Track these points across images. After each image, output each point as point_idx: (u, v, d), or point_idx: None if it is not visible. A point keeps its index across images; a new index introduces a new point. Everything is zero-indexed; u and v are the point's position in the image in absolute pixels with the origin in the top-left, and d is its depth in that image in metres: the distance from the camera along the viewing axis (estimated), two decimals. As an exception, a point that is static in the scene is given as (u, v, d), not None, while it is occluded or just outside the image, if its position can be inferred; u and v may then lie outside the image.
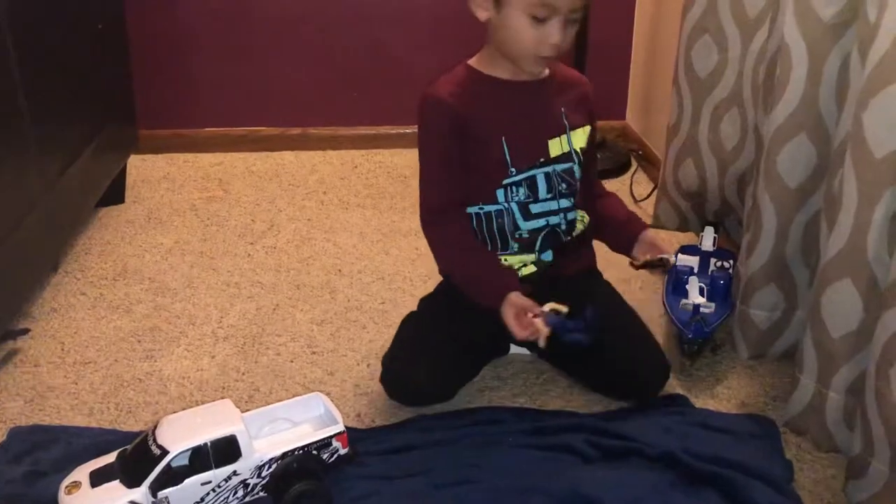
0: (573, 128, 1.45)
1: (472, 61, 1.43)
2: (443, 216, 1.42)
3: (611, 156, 2.37)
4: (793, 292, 1.43)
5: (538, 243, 1.45)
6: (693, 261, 1.58)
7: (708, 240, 1.65)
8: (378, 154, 2.43)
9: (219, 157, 2.40)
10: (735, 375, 1.52)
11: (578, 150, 1.45)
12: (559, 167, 1.43)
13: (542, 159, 1.42)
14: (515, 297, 1.32)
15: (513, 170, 1.41)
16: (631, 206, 2.14)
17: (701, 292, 1.51)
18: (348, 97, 2.46)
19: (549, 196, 1.44)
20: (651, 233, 1.53)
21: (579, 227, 1.50)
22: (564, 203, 1.45)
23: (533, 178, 1.42)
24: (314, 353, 1.58)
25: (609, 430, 1.34)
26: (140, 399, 1.44)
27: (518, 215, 1.43)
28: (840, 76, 1.25)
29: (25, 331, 1.58)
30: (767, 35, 1.44)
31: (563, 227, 1.46)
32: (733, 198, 1.66)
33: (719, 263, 1.59)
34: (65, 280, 1.79)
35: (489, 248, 1.45)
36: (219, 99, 2.42)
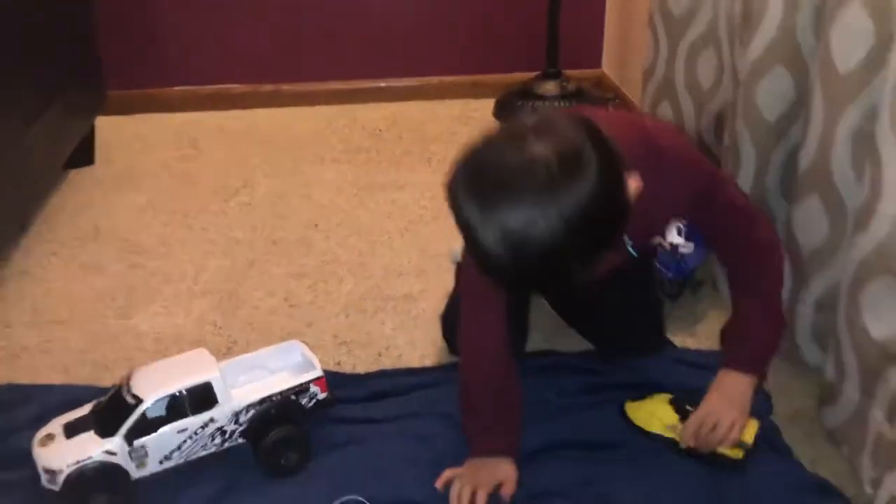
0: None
1: None
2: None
3: (587, 104, 2.35)
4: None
5: None
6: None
7: (686, 181, 1.63)
8: (353, 109, 2.39)
9: (190, 115, 2.35)
10: (715, 314, 1.51)
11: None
12: None
13: None
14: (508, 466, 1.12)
15: None
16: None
17: (679, 233, 1.51)
18: (321, 52, 2.41)
19: None
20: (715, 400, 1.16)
21: None
22: None
23: None
24: (292, 305, 1.56)
25: (591, 368, 1.33)
26: (116, 355, 1.42)
27: None
28: (820, 5, 1.23)
29: (-6, 292, 1.56)
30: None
31: None
32: (710, 138, 1.65)
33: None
34: (35, 242, 1.75)
35: None
36: (188, 57, 2.37)
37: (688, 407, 1.18)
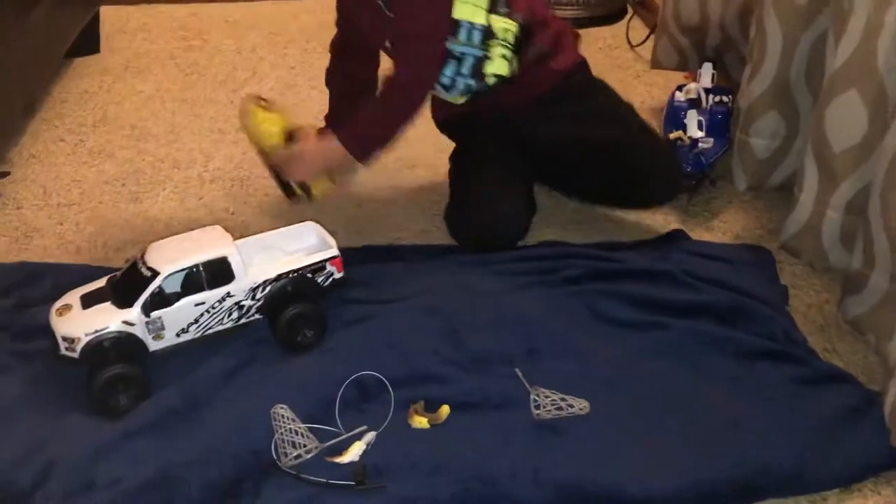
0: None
1: None
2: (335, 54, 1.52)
3: (605, 2, 2.28)
4: (794, 119, 1.40)
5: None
6: (692, 94, 1.54)
7: (706, 76, 1.60)
8: (363, 3, 2.31)
9: (195, 7, 2.29)
10: (731, 209, 1.50)
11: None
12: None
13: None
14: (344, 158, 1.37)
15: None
16: (626, 52, 2.10)
17: (700, 126, 1.48)
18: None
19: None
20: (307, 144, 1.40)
21: (495, 68, 1.36)
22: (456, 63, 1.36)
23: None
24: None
25: (601, 255, 1.33)
26: (127, 237, 1.42)
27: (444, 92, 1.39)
28: None
29: (5, 173, 1.54)
30: None
31: (476, 82, 1.37)
32: (735, 30, 1.60)
33: (717, 98, 1.55)
34: (43, 127, 1.72)
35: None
36: (193, -56, 2.29)
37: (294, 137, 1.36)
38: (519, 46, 1.36)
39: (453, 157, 1.51)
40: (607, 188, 1.44)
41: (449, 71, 1.35)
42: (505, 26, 1.34)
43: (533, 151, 1.45)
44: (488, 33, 1.33)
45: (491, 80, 1.36)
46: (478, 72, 1.35)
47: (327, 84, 1.56)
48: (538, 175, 1.49)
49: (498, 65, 1.36)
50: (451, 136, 1.54)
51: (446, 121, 1.53)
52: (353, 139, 1.35)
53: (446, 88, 1.37)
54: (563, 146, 1.43)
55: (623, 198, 1.46)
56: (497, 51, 1.36)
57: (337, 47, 1.52)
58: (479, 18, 1.32)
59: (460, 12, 1.31)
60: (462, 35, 1.32)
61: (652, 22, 2.11)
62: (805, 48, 1.33)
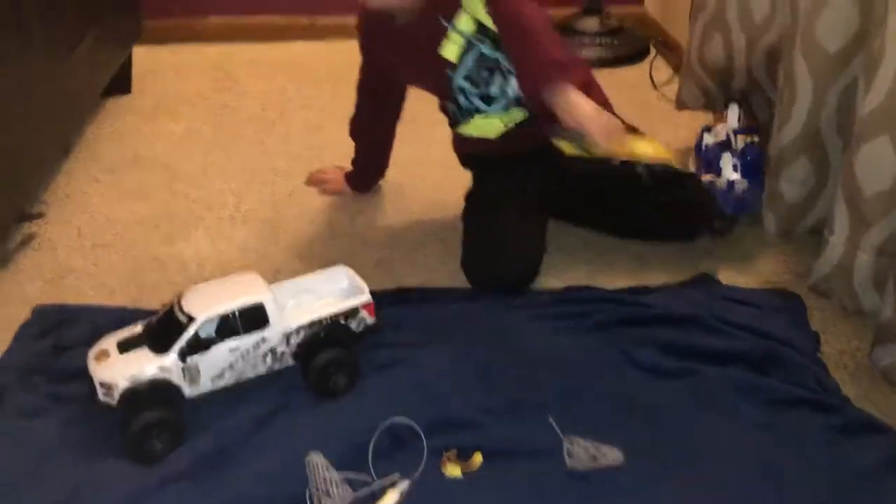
0: (451, 16, 1.39)
1: None
2: (362, 106, 1.62)
3: (628, 41, 2.30)
4: (824, 165, 1.40)
5: (513, 106, 1.45)
6: (721, 136, 1.55)
7: (733, 117, 1.60)
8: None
9: (226, 47, 2.34)
10: (761, 253, 1.50)
11: (475, 32, 1.39)
12: (469, 62, 1.40)
13: (448, 71, 1.41)
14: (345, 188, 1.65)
15: (447, 101, 1.46)
16: (650, 92, 2.11)
17: (735, 169, 1.49)
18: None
19: (485, 88, 1.42)
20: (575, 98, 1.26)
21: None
22: (504, 76, 1.42)
23: (461, 87, 1.43)
24: (333, 234, 1.56)
25: (631, 300, 1.33)
26: (161, 279, 1.43)
27: (484, 106, 1.45)
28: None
29: (40, 215, 1.56)
30: None
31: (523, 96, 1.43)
32: (761, 73, 1.61)
33: (747, 139, 1.55)
34: (77, 167, 1.76)
35: (474, 115, 1.47)
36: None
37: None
38: None
39: (468, 197, 1.52)
40: (642, 220, 1.47)
41: (497, 83, 1.41)
42: None
43: (561, 185, 1.48)
44: None
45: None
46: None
47: (353, 132, 1.64)
48: (561, 211, 1.51)
49: None
50: (473, 171, 1.55)
51: (470, 154, 1.55)
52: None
53: (491, 99, 1.42)
54: (595, 179, 1.45)
55: (657, 230, 1.47)
56: None
57: (365, 91, 1.58)
58: None
59: None
60: None
61: (675, 62, 2.13)
62: (835, 95, 1.33)
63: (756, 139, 1.56)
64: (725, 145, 1.56)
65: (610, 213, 1.50)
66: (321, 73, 2.21)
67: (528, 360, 1.20)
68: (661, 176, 1.40)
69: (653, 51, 2.31)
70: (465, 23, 1.38)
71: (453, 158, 1.62)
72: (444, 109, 1.53)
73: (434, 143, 1.84)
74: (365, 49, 1.52)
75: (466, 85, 1.42)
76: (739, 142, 1.56)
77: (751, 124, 1.63)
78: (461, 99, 1.45)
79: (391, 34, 1.44)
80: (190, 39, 2.35)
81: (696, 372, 1.19)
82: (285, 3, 2.38)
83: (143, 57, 2.22)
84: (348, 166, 1.68)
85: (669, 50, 2.26)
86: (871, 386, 1.21)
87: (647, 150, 1.32)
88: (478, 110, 1.46)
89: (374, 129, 1.63)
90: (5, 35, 1.40)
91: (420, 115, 1.95)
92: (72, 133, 1.79)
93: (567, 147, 1.30)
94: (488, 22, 1.37)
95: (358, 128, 1.63)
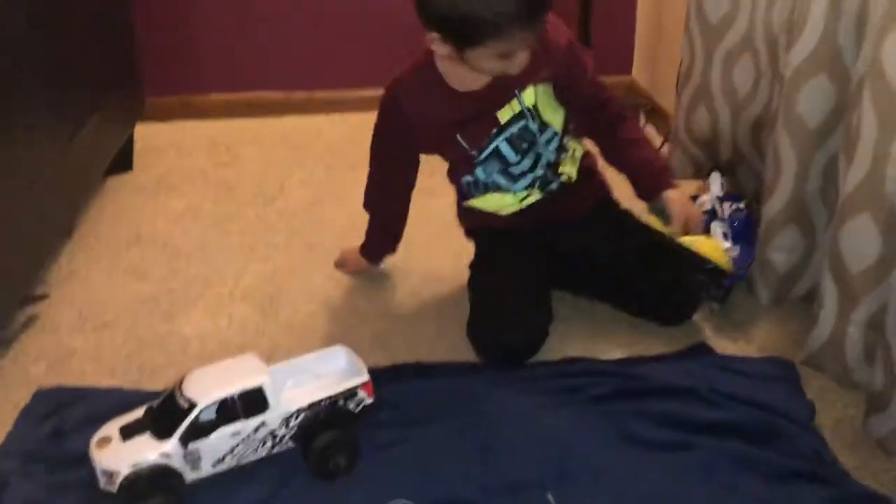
0: (523, 87, 1.42)
1: (436, 53, 1.38)
2: (377, 186, 1.58)
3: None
4: (812, 233, 1.43)
5: (536, 185, 1.49)
6: (707, 206, 1.59)
7: (715, 185, 1.65)
8: (385, 116, 2.40)
9: (225, 123, 2.39)
10: (754, 320, 1.52)
11: (531, 106, 1.43)
12: (514, 129, 1.44)
13: (494, 130, 1.43)
14: (366, 265, 1.65)
15: (474, 153, 1.44)
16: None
17: (725, 237, 1.52)
18: (352, 59, 2.43)
19: (519, 158, 1.46)
20: (676, 196, 1.44)
21: (568, 167, 1.51)
22: (536, 155, 1.46)
23: (496, 148, 1.44)
24: (332, 310, 1.58)
25: (627, 373, 1.34)
26: (162, 359, 1.45)
27: (504, 180, 1.47)
28: (860, 11, 1.24)
29: (44, 296, 1.59)
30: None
31: (549, 175, 1.49)
32: (746, 145, 1.66)
33: (733, 206, 1.59)
34: (79, 246, 1.78)
35: (492, 191, 1.49)
36: (223, 64, 2.40)
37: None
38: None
39: (473, 267, 1.55)
40: (635, 299, 1.49)
41: (530, 158, 1.45)
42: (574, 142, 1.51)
43: (563, 260, 1.52)
44: (566, 130, 1.48)
45: (561, 178, 1.49)
46: (554, 165, 1.48)
47: (368, 204, 1.61)
48: (560, 282, 1.54)
49: (570, 165, 1.50)
50: (477, 241, 1.58)
51: (477, 226, 1.58)
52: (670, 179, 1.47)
53: (515, 178, 1.46)
54: (596, 256, 1.50)
55: (646, 312, 1.49)
56: (572, 147, 1.50)
57: (383, 157, 1.55)
58: (561, 116, 1.47)
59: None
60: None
61: (664, 130, 2.18)
62: (819, 167, 1.37)
63: (742, 206, 1.59)
64: (712, 214, 1.59)
65: (605, 290, 1.53)
66: (319, 147, 2.26)
67: (527, 436, 1.20)
68: (711, 273, 1.46)
69: (643, 118, 2.36)
70: (528, 96, 1.43)
71: (449, 231, 1.65)
72: (456, 181, 1.53)
73: (430, 215, 1.87)
74: (396, 111, 1.44)
75: (505, 148, 1.44)
76: (726, 209, 1.60)
77: (734, 192, 1.67)
78: (480, 173, 1.47)
79: (446, 96, 1.41)
80: (190, 116, 2.40)
81: (694, 446, 1.20)
82: (283, 79, 2.44)
83: (145, 134, 2.27)
84: (350, 241, 1.70)
85: (658, 117, 2.31)
86: (868, 456, 1.22)
87: (709, 249, 1.44)
88: (497, 186, 1.48)
89: (390, 197, 1.59)
90: (10, 118, 1.43)
91: (417, 185, 2.00)
92: (75, 214, 1.82)
93: (656, 222, 1.47)
94: (543, 105, 1.44)
95: (374, 198, 1.60)
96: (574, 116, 1.50)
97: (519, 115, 1.44)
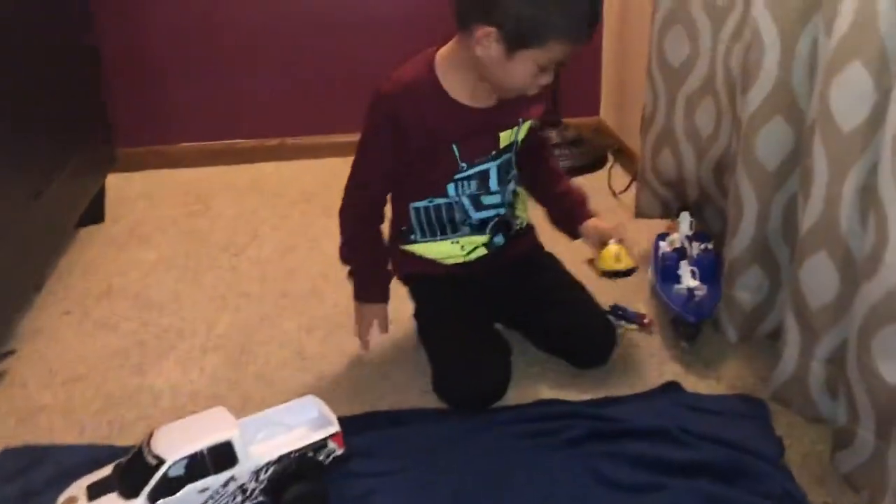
0: (526, 119, 1.47)
1: (438, 60, 1.39)
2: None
3: (587, 151, 2.39)
4: (776, 272, 1.45)
5: (489, 228, 1.50)
6: (676, 244, 1.62)
7: (685, 224, 1.67)
8: (357, 161, 2.43)
9: (197, 171, 2.40)
10: (723, 358, 1.53)
11: (520, 140, 1.48)
12: (505, 158, 1.47)
13: (493, 152, 1.45)
14: (380, 310, 1.53)
15: (463, 164, 1.43)
16: (610, 200, 2.18)
17: (693, 276, 1.54)
18: (324, 106, 2.46)
19: (499, 189, 1.48)
20: (594, 221, 1.54)
21: (521, 211, 1.55)
22: (510, 191, 1.51)
23: (486, 171, 1.45)
24: (304, 359, 1.58)
25: (600, 414, 1.35)
26: (132, 414, 1.44)
27: (469, 207, 1.47)
28: (811, 56, 1.27)
29: (12, 352, 1.57)
30: (737, 22, 1.46)
31: (510, 214, 1.52)
32: (711, 186, 1.69)
33: (702, 246, 1.61)
34: (49, 300, 1.78)
35: (438, 233, 1.49)
36: (194, 113, 2.42)
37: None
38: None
39: (421, 317, 1.55)
40: (553, 346, 1.52)
41: (498, 197, 1.48)
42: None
43: (491, 303, 1.54)
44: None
45: (517, 222, 1.54)
46: (511, 206, 1.51)
47: (350, 256, 1.52)
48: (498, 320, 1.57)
49: (522, 209, 1.55)
50: (412, 289, 1.57)
51: (412, 274, 1.57)
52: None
53: (481, 208, 1.48)
54: (518, 300, 1.54)
55: (563, 353, 1.52)
56: (520, 192, 1.55)
57: (364, 207, 1.48)
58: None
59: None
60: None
61: (632, 169, 2.22)
62: (779, 208, 1.40)
63: (710, 246, 1.62)
64: (682, 253, 1.61)
65: (527, 329, 1.56)
66: (292, 194, 2.27)
67: (500, 482, 1.21)
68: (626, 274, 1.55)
69: (611, 158, 2.40)
70: (523, 128, 1.47)
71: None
72: (403, 212, 1.50)
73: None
74: (392, 120, 1.38)
75: (494, 174, 1.45)
76: (694, 249, 1.62)
77: (703, 231, 1.70)
78: (451, 189, 1.44)
79: (453, 108, 1.39)
80: (162, 165, 2.41)
81: (666, 486, 1.20)
82: (255, 126, 2.46)
83: (116, 184, 2.28)
84: (325, 287, 1.69)
85: (626, 157, 2.35)
86: (836, 491, 1.23)
87: (609, 258, 1.51)
88: (450, 221, 1.47)
89: (375, 216, 1.50)
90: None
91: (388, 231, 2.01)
92: (45, 268, 1.82)
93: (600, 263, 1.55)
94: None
95: (356, 224, 1.50)
96: (522, 156, 1.52)
97: (510, 146, 1.46)
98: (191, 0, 2.32)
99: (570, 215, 1.55)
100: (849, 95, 1.12)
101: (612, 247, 1.49)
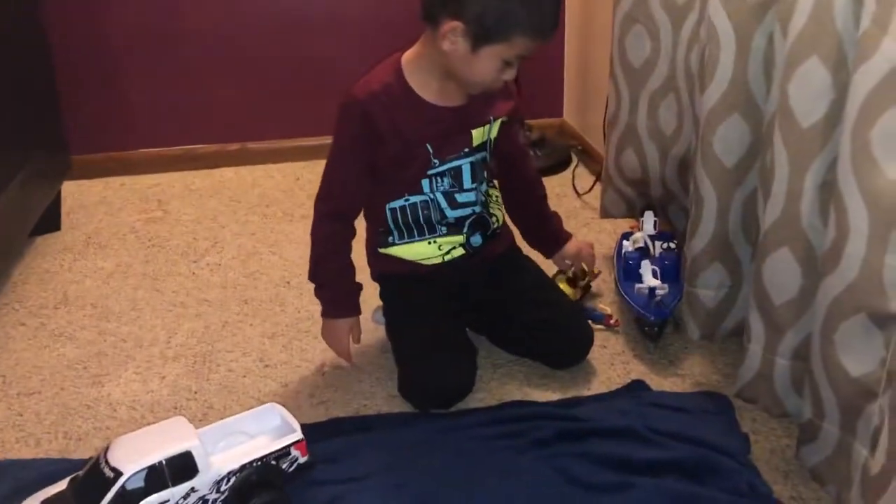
0: (497, 117, 1.47)
1: (404, 64, 1.40)
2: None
3: (551, 152, 2.39)
4: (737, 270, 1.46)
5: (466, 227, 1.49)
6: (639, 243, 1.62)
7: (648, 223, 1.67)
8: (320, 165, 2.37)
9: (156, 177, 2.35)
10: (687, 356, 1.54)
11: (493, 139, 1.48)
12: (479, 156, 1.47)
13: (466, 149, 1.44)
14: (354, 322, 1.49)
15: (436, 161, 1.43)
16: (574, 201, 2.19)
17: (654, 275, 1.54)
18: (286, 110, 2.43)
19: (473, 186, 1.47)
20: (574, 245, 1.65)
21: (495, 209, 1.55)
22: (484, 189, 1.51)
23: (458, 168, 1.45)
24: (267, 366, 1.55)
25: (567, 415, 1.34)
26: (89, 426, 1.40)
27: (444, 205, 1.46)
28: (766, 53, 1.28)
29: (-37, 365, 1.53)
30: (697, 21, 1.47)
31: (486, 212, 1.52)
32: (674, 184, 1.69)
33: (665, 245, 1.62)
34: (2, 312, 1.73)
35: (416, 233, 1.48)
36: (152, 118, 2.38)
37: (579, 282, 1.69)
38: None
39: (390, 316, 1.55)
40: (530, 346, 1.52)
41: (472, 195, 1.47)
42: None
43: (466, 305, 1.54)
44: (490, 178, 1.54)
45: (492, 221, 1.53)
46: (486, 206, 1.52)
47: (321, 276, 1.48)
48: (471, 325, 1.57)
49: (497, 209, 1.55)
50: (382, 288, 1.57)
51: (386, 274, 1.55)
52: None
53: (456, 206, 1.47)
54: (496, 301, 1.53)
55: (541, 355, 1.52)
56: (493, 192, 1.55)
57: (336, 222, 1.45)
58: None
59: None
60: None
61: (596, 170, 2.22)
62: (738, 204, 1.40)
63: (673, 245, 1.62)
64: (644, 252, 1.62)
65: (502, 333, 1.56)
66: (253, 199, 2.24)
67: (469, 484, 1.19)
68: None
69: (574, 159, 2.40)
70: (495, 127, 1.47)
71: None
72: (378, 213, 1.48)
73: (360, 263, 1.87)
74: (366, 124, 1.37)
75: (467, 171, 1.45)
76: (657, 248, 1.63)
77: (667, 230, 1.71)
78: (426, 185, 1.43)
79: (424, 109, 1.39)
80: (120, 172, 2.36)
81: (633, 485, 1.20)
82: (215, 131, 2.42)
83: (73, 192, 2.23)
84: (287, 291, 1.66)
85: (590, 157, 2.35)
86: (802, 485, 1.23)
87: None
88: (427, 220, 1.46)
89: (347, 225, 1.46)
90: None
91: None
92: (-2, 277, 1.77)
93: (565, 286, 1.66)
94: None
95: (329, 233, 1.46)
96: (497, 161, 1.53)
97: (483, 145, 1.46)
98: (147, 1, 2.28)
99: (549, 236, 1.65)
100: (807, 91, 1.13)
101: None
